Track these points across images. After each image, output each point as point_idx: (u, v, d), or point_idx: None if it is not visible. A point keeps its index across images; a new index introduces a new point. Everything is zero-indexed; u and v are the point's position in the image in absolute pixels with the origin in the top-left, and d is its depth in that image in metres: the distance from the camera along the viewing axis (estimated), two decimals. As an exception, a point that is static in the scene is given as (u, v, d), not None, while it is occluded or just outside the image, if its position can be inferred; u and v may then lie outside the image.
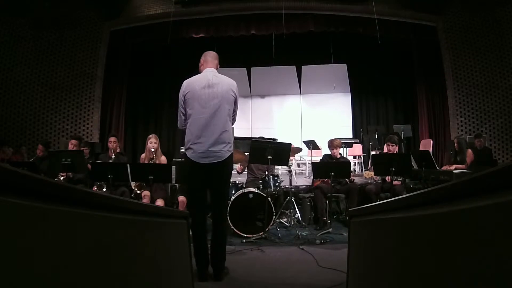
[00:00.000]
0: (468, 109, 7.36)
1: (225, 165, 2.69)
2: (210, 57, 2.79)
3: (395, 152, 4.69)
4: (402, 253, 1.01)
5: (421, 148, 7.21)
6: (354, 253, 1.83)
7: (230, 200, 3.96)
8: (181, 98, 2.67)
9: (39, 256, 0.60)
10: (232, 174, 3.11)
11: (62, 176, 4.17)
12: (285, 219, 4.63)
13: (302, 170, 8.90)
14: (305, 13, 7.73)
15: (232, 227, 3.92)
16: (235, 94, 2.72)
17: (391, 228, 1.17)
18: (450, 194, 0.72)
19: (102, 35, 7.71)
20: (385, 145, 4.93)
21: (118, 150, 4.63)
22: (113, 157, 4.43)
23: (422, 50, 7.99)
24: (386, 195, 4.42)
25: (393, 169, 3.98)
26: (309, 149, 7.49)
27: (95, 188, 4.10)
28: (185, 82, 2.71)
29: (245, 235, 3.91)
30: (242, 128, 9.22)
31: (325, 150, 5.54)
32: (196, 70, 2.84)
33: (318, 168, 4.66)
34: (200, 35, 7.97)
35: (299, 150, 6.32)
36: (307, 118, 10.36)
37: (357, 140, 8.48)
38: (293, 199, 4.62)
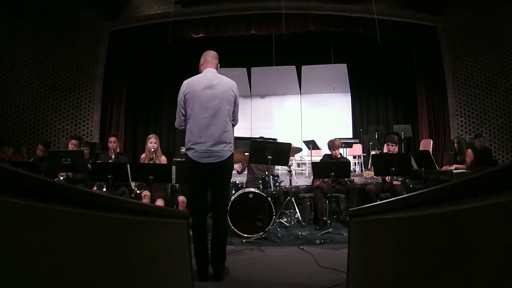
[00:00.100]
0: (468, 109, 7.36)
1: (226, 165, 2.70)
2: (210, 57, 2.79)
3: (395, 152, 4.69)
4: (402, 253, 1.01)
5: (421, 148, 7.21)
6: (354, 253, 1.83)
7: (230, 200, 3.96)
8: (181, 98, 2.67)
9: (39, 256, 0.60)
10: (232, 174, 3.12)
11: (62, 176, 4.17)
12: (285, 219, 4.63)
13: (302, 170, 8.90)
14: (305, 13, 7.73)
15: (232, 227, 3.92)
16: (235, 94, 2.73)
17: (391, 228, 1.17)
18: (450, 194, 0.72)
19: (102, 35, 7.71)
20: (385, 145, 4.93)
21: (118, 150, 4.63)
22: (113, 157, 4.43)
23: (422, 50, 7.99)
24: (386, 195, 4.42)
25: (393, 169, 3.98)
26: (309, 149, 7.49)
27: (95, 188, 4.10)
28: (185, 82, 2.72)
29: (245, 235, 3.91)
30: (242, 128, 9.22)
31: (325, 150, 5.54)
32: (196, 70, 2.84)
33: (318, 168, 4.67)
34: (200, 35, 7.97)
35: (299, 150, 6.32)
36: (307, 118, 10.36)
37: (357, 140, 8.48)
38: (293, 199, 4.61)
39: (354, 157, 8.51)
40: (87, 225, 0.79)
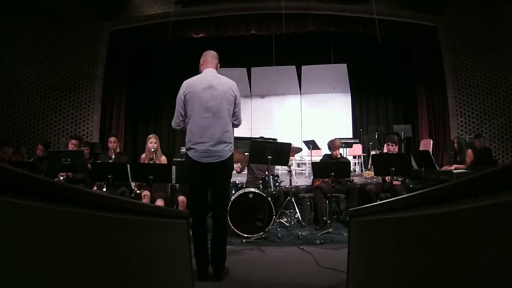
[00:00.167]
0: (468, 109, 7.36)
1: (226, 165, 2.70)
2: (210, 57, 2.80)
3: (395, 152, 4.69)
4: (402, 253, 1.01)
5: (421, 148, 7.21)
6: (354, 253, 1.83)
7: (230, 200, 3.96)
8: (181, 98, 2.67)
9: (39, 256, 0.60)
10: (232, 174, 3.12)
11: (62, 176, 4.17)
12: (285, 219, 4.63)
13: (302, 170, 8.90)
14: (305, 13, 7.73)
15: (232, 227, 3.92)
16: (235, 95, 2.73)
17: (391, 228, 1.17)
18: (450, 194, 0.72)
19: (102, 35, 7.71)
20: (385, 145, 4.93)
21: (118, 150, 4.63)
22: (113, 157, 4.43)
23: (422, 50, 7.98)
24: (386, 195, 4.42)
25: (393, 169, 3.98)
26: (309, 149, 7.49)
27: (95, 188, 4.10)
28: (185, 83, 2.72)
29: (245, 235, 3.91)
30: (242, 128, 9.11)
31: (325, 150, 5.54)
32: (196, 70, 2.84)
33: (318, 168, 4.67)
34: (200, 35, 7.97)
35: (299, 150, 6.33)
36: (307, 118, 10.36)
37: (357, 140, 8.48)
38: (293, 199, 4.61)
39: (354, 157, 8.51)
40: (87, 225, 0.79)
